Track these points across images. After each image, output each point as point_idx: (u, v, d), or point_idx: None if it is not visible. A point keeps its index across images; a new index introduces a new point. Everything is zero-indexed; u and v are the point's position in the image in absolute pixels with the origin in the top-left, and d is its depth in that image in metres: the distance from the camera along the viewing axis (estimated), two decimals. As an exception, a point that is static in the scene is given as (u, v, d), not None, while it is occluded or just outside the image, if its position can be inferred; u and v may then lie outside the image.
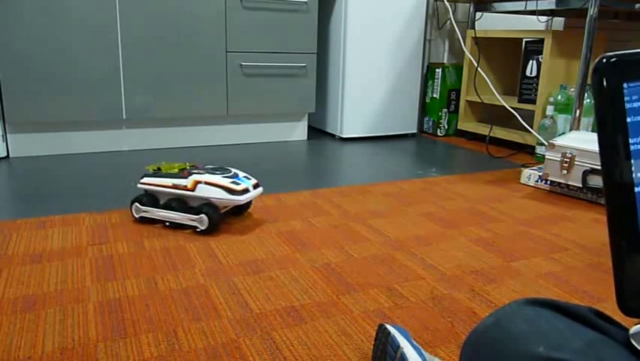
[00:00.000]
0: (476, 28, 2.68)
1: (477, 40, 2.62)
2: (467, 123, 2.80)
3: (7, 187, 1.75)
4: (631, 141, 0.42)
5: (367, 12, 2.54)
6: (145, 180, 1.45)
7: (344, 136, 2.67)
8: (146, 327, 0.93)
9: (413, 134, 2.88)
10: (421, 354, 0.75)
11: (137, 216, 1.44)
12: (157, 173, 1.45)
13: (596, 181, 1.72)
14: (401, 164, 2.22)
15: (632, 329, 0.45)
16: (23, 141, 2.14)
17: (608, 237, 0.43)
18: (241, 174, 1.45)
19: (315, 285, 1.11)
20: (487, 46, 2.70)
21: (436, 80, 2.85)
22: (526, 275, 1.19)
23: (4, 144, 2.11)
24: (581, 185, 1.74)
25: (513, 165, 2.26)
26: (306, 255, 1.27)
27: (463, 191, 1.84)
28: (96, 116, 2.18)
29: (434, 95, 2.88)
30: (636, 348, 0.44)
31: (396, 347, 0.76)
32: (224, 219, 1.48)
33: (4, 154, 2.12)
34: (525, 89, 2.50)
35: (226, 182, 1.38)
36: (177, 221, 1.39)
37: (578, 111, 2.14)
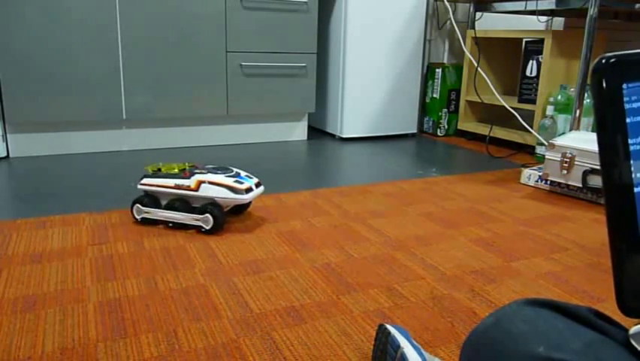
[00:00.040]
0: (476, 28, 2.68)
1: (477, 40, 2.62)
2: (467, 123, 2.80)
3: (7, 187, 1.75)
4: (630, 141, 0.42)
5: (367, 12, 2.54)
6: (145, 180, 1.45)
7: (344, 136, 2.67)
8: (146, 327, 0.93)
9: (413, 135, 2.88)
10: (421, 354, 0.76)
11: (138, 217, 1.43)
12: (157, 174, 1.45)
13: (596, 181, 1.72)
14: (401, 164, 2.22)
15: (632, 330, 0.45)
16: (23, 141, 2.15)
17: (608, 237, 0.43)
18: (243, 173, 1.45)
19: (315, 285, 1.11)
20: (487, 46, 2.70)
21: (436, 80, 2.85)
22: (526, 275, 1.19)
23: (4, 144, 2.11)
24: (581, 185, 1.75)
25: (513, 165, 2.26)
26: (306, 255, 1.27)
27: (463, 191, 1.84)
28: (96, 116, 2.18)
29: (434, 95, 2.88)
30: (636, 348, 0.44)
31: (397, 346, 0.76)
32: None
33: (4, 154, 2.12)
34: (525, 89, 2.50)
35: (230, 181, 1.38)
36: (181, 221, 1.39)
37: (578, 111, 2.14)
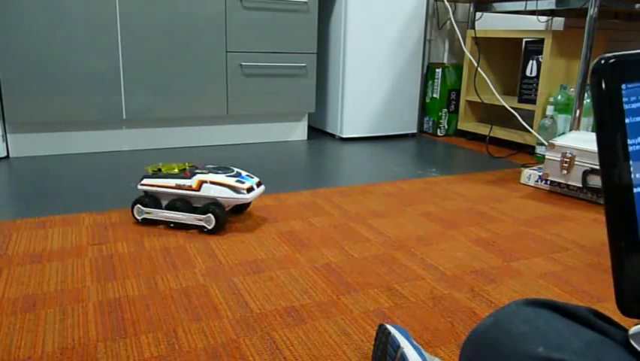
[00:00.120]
0: (476, 28, 2.68)
1: (477, 40, 2.62)
2: (467, 123, 2.80)
3: (7, 187, 1.75)
4: (629, 142, 0.42)
5: (367, 12, 2.54)
6: (146, 181, 1.45)
7: (344, 136, 2.67)
8: (146, 327, 0.94)
9: (413, 135, 2.88)
10: (421, 354, 0.76)
11: (139, 218, 1.43)
12: (157, 174, 1.45)
13: (596, 181, 1.72)
14: (401, 164, 2.22)
15: (632, 330, 0.45)
16: (23, 141, 2.15)
17: (607, 237, 0.43)
18: (243, 172, 1.45)
19: (315, 285, 1.11)
20: (487, 46, 2.70)
21: (436, 80, 2.85)
22: (526, 275, 1.19)
23: (4, 144, 2.11)
24: (581, 185, 1.75)
25: (513, 165, 2.26)
26: (306, 255, 1.27)
27: (463, 191, 1.84)
28: (96, 116, 2.19)
29: (434, 95, 2.88)
30: (635, 349, 0.44)
31: (397, 347, 0.76)
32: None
33: (4, 154, 2.12)
34: (525, 89, 2.50)
35: (231, 181, 1.38)
36: (183, 221, 1.39)
37: (578, 111, 2.14)
